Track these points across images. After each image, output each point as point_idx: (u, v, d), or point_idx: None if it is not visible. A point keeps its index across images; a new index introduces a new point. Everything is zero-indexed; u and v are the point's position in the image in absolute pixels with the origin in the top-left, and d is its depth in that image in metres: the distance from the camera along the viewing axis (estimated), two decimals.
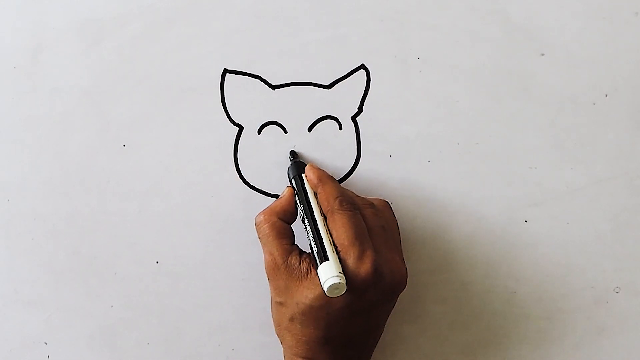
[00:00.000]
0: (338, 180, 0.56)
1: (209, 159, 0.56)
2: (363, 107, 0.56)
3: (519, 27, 0.56)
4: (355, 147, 0.56)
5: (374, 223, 0.50)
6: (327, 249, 0.47)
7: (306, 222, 0.49)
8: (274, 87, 0.56)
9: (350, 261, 0.47)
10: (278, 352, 0.53)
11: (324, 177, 0.52)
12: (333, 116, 0.56)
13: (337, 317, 0.47)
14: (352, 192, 0.53)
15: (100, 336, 0.57)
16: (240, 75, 0.56)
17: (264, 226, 0.50)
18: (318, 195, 0.51)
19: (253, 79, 0.56)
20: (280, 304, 0.49)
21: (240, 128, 0.56)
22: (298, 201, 0.52)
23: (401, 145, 0.56)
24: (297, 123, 0.56)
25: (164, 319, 0.57)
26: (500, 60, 0.56)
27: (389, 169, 0.56)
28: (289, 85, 0.56)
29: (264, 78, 0.56)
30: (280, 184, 0.56)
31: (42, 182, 0.57)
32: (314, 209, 0.50)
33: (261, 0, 0.56)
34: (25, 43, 0.57)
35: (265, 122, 0.56)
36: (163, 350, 0.57)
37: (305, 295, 0.47)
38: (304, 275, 0.48)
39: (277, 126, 0.56)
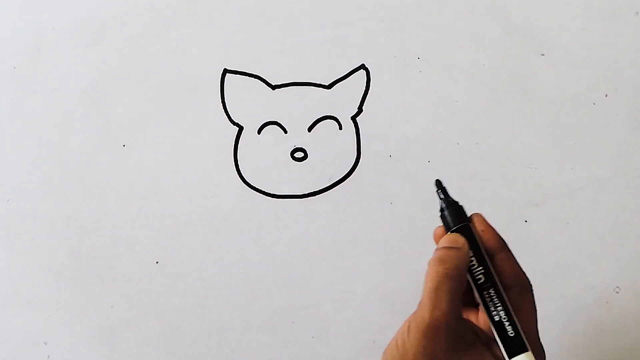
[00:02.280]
0: (338, 181, 0.56)
1: (209, 159, 0.57)
2: (363, 107, 0.56)
3: (519, 27, 0.56)
4: (355, 147, 0.56)
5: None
6: (523, 338, 0.40)
7: (491, 291, 0.41)
8: (274, 87, 0.56)
9: (540, 357, 0.40)
10: (278, 352, 0.53)
11: (504, 242, 0.44)
12: (333, 116, 0.56)
13: None
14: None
15: (100, 336, 0.57)
16: (240, 75, 0.56)
17: (448, 283, 0.40)
18: (500, 262, 0.43)
19: (253, 79, 0.56)
20: None
21: (240, 128, 0.56)
22: (473, 258, 0.43)
23: (401, 145, 0.56)
24: (297, 123, 0.56)
25: (164, 319, 0.57)
26: (500, 60, 0.56)
27: (389, 169, 0.56)
28: (289, 85, 0.56)
29: (264, 78, 0.56)
30: (280, 184, 0.56)
31: (42, 182, 0.57)
32: (495, 277, 0.42)
33: (261, 0, 0.56)
34: (25, 43, 0.57)
35: (265, 122, 0.56)
36: (163, 350, 0.57)
37: None
38: (468, 346, 0.40)
39: (277, 126, 0.56)
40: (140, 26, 0.56)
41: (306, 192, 0.56)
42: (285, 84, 0.56)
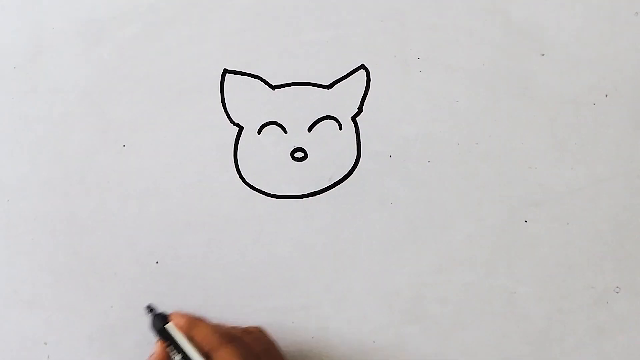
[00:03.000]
0: (338, 181, 0.56)
1: (209, 159, 0.56)
2: (363, 107, 0.56)
3: (519, 27, 0.56)
4: (355, 147, 0.56)
5: (257, 349, 0.50)
6: None
7: None
8: (274, 87, 0.56)
9: None
10: None
11: (194, 319, 0.50)
12: (333, 116, 0.56)
13: None
14: (226, 326, 0.52)
15: (100, 336, 0.57)
16: (240, 75, 0.56)
17: None
18: (194, 338, 0.49)
19: (253, 79, 0.56)
20: None
21: (240, 128, 0.56)
22: (172, 353, 0.49)
23: (401, 145, 0.56)
24: (297, 123, 0.56)
25: None
26: (500, 60, 0.56)
27: (389, 169, 0.56)
28: (289, 85, 0.56)
29: (264, 78, 0.56)
30: (280, 184, 0.56)
31: (42, 182, 0.57)
32: (191, 354, 0.48)
33: (261, 0, 0.56)
34: (25, 43, 0.57)
35: (265, 122, 0.56)
36: None
37: None
38: None
39: (277, 126, 0.56)
40: (140, 26, 0.56)
41: (306, 192, 0.56)
42: (285, 84, 0.56)
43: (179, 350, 0.49)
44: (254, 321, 0.56)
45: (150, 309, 0.52)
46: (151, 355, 0.50)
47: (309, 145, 0.56)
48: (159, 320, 0.51)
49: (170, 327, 0.50)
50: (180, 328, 0.50)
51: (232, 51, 0.56)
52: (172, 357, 0.49)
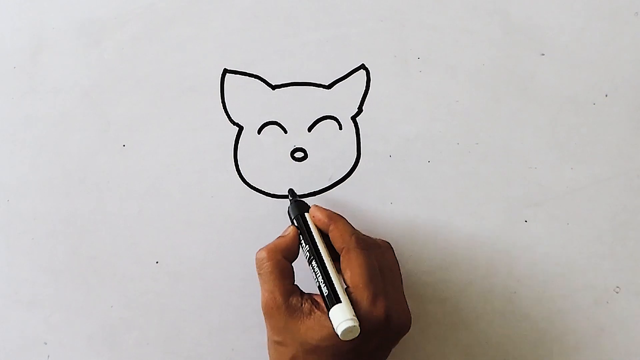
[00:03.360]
0: (338, 181, 0.56)
1: (209, 159, 0.57)
2: (363, 107, 0.56)
3: (519, 27, 0.56)
4: (355, 147, 0.56)
5: (382, 264, 0.50)
6: (338, 291, 0.46)
7: (314, 262, 0.48)
8: (274, 87, 0.56)
9: (364, 304, 0.46)
10: None
11: (335, 215, 0.51)
12: (333, 116, 0.56)
13: (342, 359, 0.47)
14: (359, 231, 0.52)
15: (100, 336, 0.57)
16: (240, 75, 0.56)
17: (267, 264, 0.49)
18: (330, 233, 0.50)
19: (253, 79, 0.56)
20: (280, 343, 0.48)
21: (240, 128, 0.56)
22: (302, 241, 0.50)
23: (401, 145, 0.56)
24: (297, 123, 0.56)
25: (164, 319, 0.57)
26: (500, 60, 0.56)
27: (389, 169, 0.56)
28: (289, 85, 0.56)
29: (264, 78, 0.56)
30: (280, 184, 0.56)
31: (42, 182, 0.57)
32: (321, 250, 0.49)
33: (261, 0, 0.56)
34: (25, 43, 0.57)
35: (265, 122, 0.56)
36: (163, 350, 0.57)
37: (310, 336, 0.46)
38: (306, 316, 0.47)
39: (277, 126, 0.56)
40: (140, 26, 0.56)
41: (306, 192, 0.56)
42: (285, 84, 0.56)
43: (308, 241, 0.50)
44: (254, 321, 0.56)
45: (292, 193, 0.55)
46: (281, 236, 0.51)
47: (309, 145, 0.56)
48: (298, 207, 0.52)
49: (308, 217, 0.52)
50: (318, 221, 0.51)
51: (232, 51, 0.56)
52: (301, 245, 0.50)
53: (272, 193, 0.56)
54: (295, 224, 0.52)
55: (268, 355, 0.50)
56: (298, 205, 0.53)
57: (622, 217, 0.57)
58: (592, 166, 0.56)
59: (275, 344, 0.48)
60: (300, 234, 0.51)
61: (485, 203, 0.56)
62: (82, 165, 0.57)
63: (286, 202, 0.56)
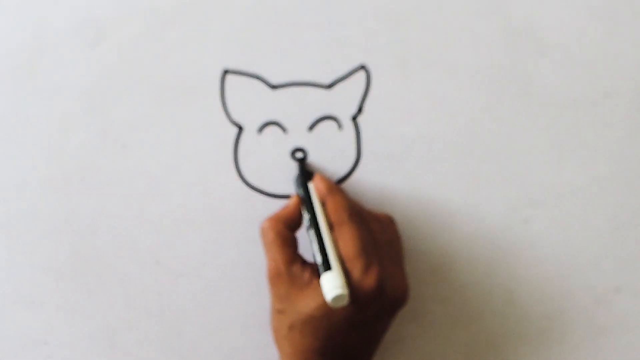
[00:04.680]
0: (337, 181, 0.56)
1: (209, 159, 0.56)
2: (363, 107, 0.56)
3: (519, 27, 0.56)
4: (355, 147, 0.56)
5: (380, 237, 0.50)
6: (331, 259, 0.47)
7: (311, 231, 0.49)
8: (274, 87, 0.56)
9: (355, 273, 0.47)
10: (278, 352, 0.53)
11: (334, 188, 0.52)
12: (333, 116, 0.56)
13: (336, 329, 0.48)
14: (360, 205, 0.53)
15: (101, 336, 0.57)
16: (240, 75, 0.56)
17: (270, 233, 0.50)
18: (326, 206, 0.51)
19: (253, 79, 0.56)
20: (280, 311, 0.49)
21: (240, 128, 0.56)
22: (303, 211, 0.51)
23: (401, 145, 0.56)
24: (297, 123, 0.56)
25: (164, 319, 0.57)
26: (500, 60, 0.56)
27: (389, 169, 0.56)
28: (289, 85, 0.56)
29: (264, 78, 0.56)
30: (280, 184, 0.56)
31: (42, 182, 0.57)
32: (320, 219, 0.50)
33: (261, 0, 0.56)
34: (25, 43, 0.57)
35: (265, 122, 0.56)
36: (163, 350, 0.57)
37: (306, 304, 0.47)
38: (305, 284, 0.48)
39: (277, 126, 0.56)
40: (140, 26, 0.56)
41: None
42: (285, 83, 0.56)
43: (309, 210, 0.50)
44: (254, 321, 0.56)
45: (301, 162, 0.55)
46: (284, 206, 0.53)
47: (309, 145, 0.56)
48: (303, 177, 0.53)
49: (310, 187, 0.52)
50: (318, 191, 0.52)
51: (232, 51, 0.56)
52: (302, 214, 0.51)
53: (272, 193, 0.56)
54: (299, 193, 0.53)
55: (271, 329, 0.52)
56: (304, 174, 0.54)
57: (622, 217, 0.57)
58: (592, 166, 0.56)
59: (277, 313, 0.50)
60: (303, 203, 0.51)
61: (485, 203, 0.56)
62: (82, 165, 0.57)
63: (286, 202, 0.56)
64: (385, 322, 0.51)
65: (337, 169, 0.56)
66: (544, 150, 0.56)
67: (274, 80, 0.56)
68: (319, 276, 0.47)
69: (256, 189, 0.57)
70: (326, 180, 0.53)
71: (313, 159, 0.56)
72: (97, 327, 0.57)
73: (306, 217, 0.51)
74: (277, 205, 0.56)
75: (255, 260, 0.56)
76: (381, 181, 0.56)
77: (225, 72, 0.56)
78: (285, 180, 0.56)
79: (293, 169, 0.57)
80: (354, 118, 0.56)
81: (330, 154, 0.56)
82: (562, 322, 0.57)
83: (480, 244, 0.56)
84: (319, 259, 0.47)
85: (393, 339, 0.57)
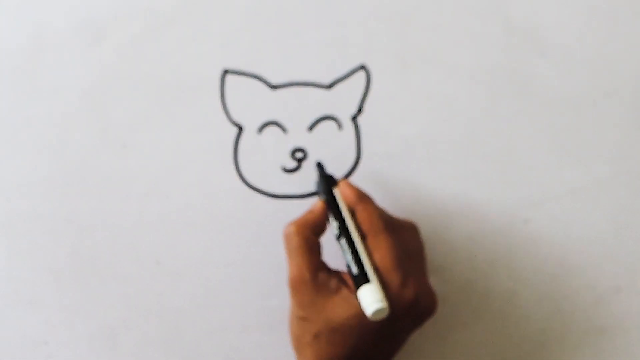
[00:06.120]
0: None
1: (209, 159, 0.57)
2: (363, 107, 0.56)
3: (519, 27, 0.56)
4: (355, 147, 0.56)
5: (411, 247, 0.50)
6: (368, 271, 0.45)
7: (342, 240, 0.48)
8: (274, 87, 0.56)
9: (394, 286, 0.46)
10: (278, 352, 0.53)
11: (364, 195, 0.50)
12: (333, 116, 0.56)
13: (366, 339, 0.47)
14: (388, 213, 0.52)
15: (100, 336, 0.57)
16: (240, 75, 0.56)
17: (296, 238, 0.48)
18: (357, 214, 0.49)
19: (253, 79, 0.56)
20: (303, 318, 0.48)
21: (240, 128, 0.56)
22: (330, 217, 0.50)
23: (401, 145, 0.56)
24: (297, 123, 0.56)
25: (164, 319, 0.57)
26: (500, 60, 0.56)
27: (389, 169, 0.56)
28: (289, 85, 0.56)
29: (263, 78, 0.56)
30: (280, 184, 0.56)
31: (42, 182, 0.57)
32: (351, 228, 0.48)
33: (261, 0, 0.56)
34: (25, 43, 0.57)
35: (265, 122, 0.56)
36: (163, 350, 0.57)
37: (337, 314, 0.46)
38: (333, 293, 0.47)
39: (277, 126, 0.56)
40: (140, 26, 0.56)
41: (306, 192, 0.56)
42: (285, 83, 0.56)
43: (337, 218, 0.49)
44: (253, 321, 0.56)
45: (320, 167, 0.54)
46: (310, 211, 0.51)
47: (309, 145, 0.56)
48: (327, 182, 0.52)
49: (336, 193, 0.51)
50: (346, 198, 0.50)
51: (232, 51, 0.56)
52: (330, 222, 0.50)
53: (272, 193, 0.56)
54: (323, 199, 0.51)
55: (289, 332, 0.50)
56: (327, 180, 0.53)
57: (622, 217, 0.57)
58: (592, 166, 0.56)
59: (300, 320, 0.48)
60: (329, 209, 0.50)
61: (485, 203, 0.56)
62: (82, 165, 0.57)
63: (287, 202, 0.56)
64: (413, 331, 0.50)
65: (337, 169, 0.56)
66: (543, 150, 0.56)
67: (274, 80, 0.56)
68: (346, 284, 0.47)
69: (256, 189, 0.57)
70: (354, 187, 0.51)
71: (313, 159, 0.56)
72: (97, 327, 0.57)
73: (334, 224, 0.49)
74: (277, 205, 0.56)
75: (255, 260, 0.56)
76: (381, 181, 0.56)
77: (225, 72, 0.56)
78: (285, 180, 0.56)
79: (293, 168, 0.57)
80: (354, 118, 0.56)
81: (330, 154, 0.56)
82: (562, 322, 0.57)
83: (480, 244, 0.56)
84: (354, 270, 0.46)
85: None
